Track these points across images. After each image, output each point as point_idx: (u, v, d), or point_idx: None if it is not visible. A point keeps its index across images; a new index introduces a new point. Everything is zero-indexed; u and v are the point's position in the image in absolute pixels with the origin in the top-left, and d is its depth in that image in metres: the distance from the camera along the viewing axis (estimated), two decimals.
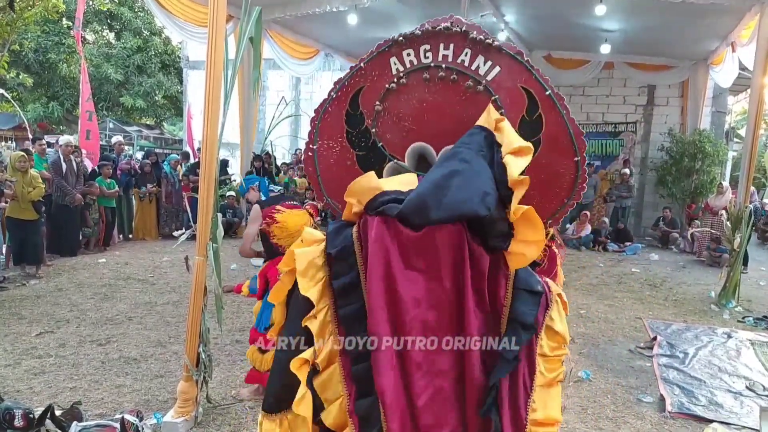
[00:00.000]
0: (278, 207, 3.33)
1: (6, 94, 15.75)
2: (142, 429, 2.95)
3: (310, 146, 2.06)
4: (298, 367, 1.63)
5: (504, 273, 1.62)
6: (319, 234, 1.72)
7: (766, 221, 11.71)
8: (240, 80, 8.12)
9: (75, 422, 2.90)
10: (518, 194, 1.57)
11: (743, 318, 5.90)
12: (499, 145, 1.67)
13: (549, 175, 1.77)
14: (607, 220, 10.85)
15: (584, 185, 1.78)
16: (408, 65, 1.90)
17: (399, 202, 1.59)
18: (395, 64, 1.91)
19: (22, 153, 6.70)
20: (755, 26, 6.62)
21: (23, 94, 19.67)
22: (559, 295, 1.75)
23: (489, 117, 1.75)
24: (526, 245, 1.57)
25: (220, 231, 3.25)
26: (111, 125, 18.62)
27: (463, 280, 1.55)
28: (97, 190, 7.97)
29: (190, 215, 4.23)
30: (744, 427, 3.39)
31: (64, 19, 17.64)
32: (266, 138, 10.92)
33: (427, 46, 1.86)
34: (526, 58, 1.79)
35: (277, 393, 1.75)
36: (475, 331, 1.57)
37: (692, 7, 7.29)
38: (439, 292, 1.57)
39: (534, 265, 1.75)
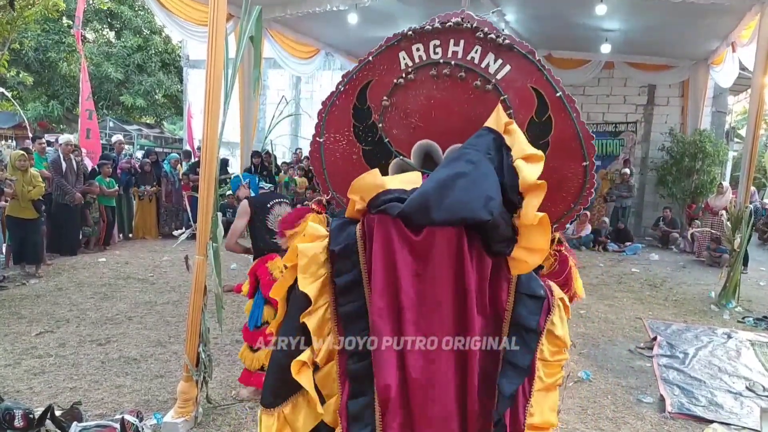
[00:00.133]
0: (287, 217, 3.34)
1: (6, 93, 15.75)
2: (142, 429, 2.95)
3: (317, 139, 2.03)
4: (297, 371, 1.63)
5: (506, 277, 1.61)
6: (322, 230, 1.71)
7: (766, 221, 11.71)
8: (240, 79, 8.11)
9: (75, 422, 2.90)
10: (536, 199, 1.54)
11: (743, 318, 5.90)
12: (508, 148, 1.65)
13: (556, 179, 1.73)
14: (607, 219, 10.85)
15: (592, 191, 1.75)
16: (417, 60, 1.86)
17: (402, 201, 1.58)
18: (404, 58, 1.88)
19: (22, 152, 6.69)
20: (755, 26, 6.61)
21: (23, 93, 19.66)
22: (562, 299, 1.74)
23: (498, 118, 1.72)
24: (530, 252, 1.56)
25: (220, 230, 3.24)
26: (111, 124, 18.62)
27: (465, 283, 1.54)
28: (97, 189, 7.96)
29: (190, 214, 4.22)
30: (744, 427, 3.39)
31: (64, 17, 17.62)
32: (266, 137, 10.92)
33: (437, 42, 1.82)
34: (537, 58, 1.74)
35: (274, 388, 1.75)
36: (476, 333, 1.56)
37: (692, 7, 7.28)
38: (441, 294, 1.56)
39: (539, 268, 1.73)
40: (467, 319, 1.55)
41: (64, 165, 7.35)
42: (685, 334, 5.20)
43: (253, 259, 3.53)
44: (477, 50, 1.78)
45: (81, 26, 10.55)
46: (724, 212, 7.54)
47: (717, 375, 4.23)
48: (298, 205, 3.58)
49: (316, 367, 1.68)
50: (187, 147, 13.56)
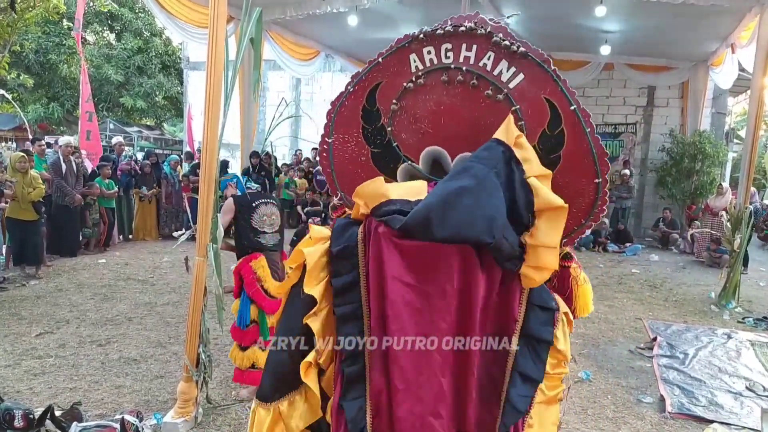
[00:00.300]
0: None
1: (6, 95, 15.77)
2: (142, 429, 2.95)
3: (326, 139, 1.99)
4: (305, 372, 1.62)
5: (519, 287, 1.58)
6: (326, 231, 1.70)
7: (766, 218, 11.70)
8: (240, 81, 8.11)
9: (75, 423, 2.90)
10: (560, 221, 1.52)
11: (743, 318, 5.90)
12: (519, 163, 1.60)
13: (567, 194, 1.65)
14: (607, 220, 10.84)
15: (604, 207, 1.68)
16: (428, 64, 1.80)
17: (404, 213, 1.56)
18: (414, 61, 1.81)
19: (22, 154, 6.70)
20: (755, 27, 6.62)
21: (24, 95, 19.68)
22: (566, 313, 1.73)
23: (508, 130, 1.66)
24: (538, 270, 1.54)
25: (220, 231, 3.25)
26: (111, 126, 18.63)
27: (470, 293, 1.52)
28: (97, 191, 7.97)
29: (190, 216, 4.23)
30: (744, 427, 3.39)
31: (64, 20, 17.65)
32: (266, 139, 10.93)
33: (449, 46, 1.75)
34: (553, 68, 1.66)
35: (272, 383, 1.74)
36: (478, 340, 1.53)
37: (692, 8, 7.29)
38: (443, 304, 1.53)
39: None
40: (468, 328, 1.53)
41: (63, 167, 7.36)
42: (685, 334, 5.20)
43: (237, 258, 3.55)
44: (490, 57, 1.71)
45: (81, 28, 10.57)
46: (723, 213, 7.54)
47: (717, 375, 4.23)
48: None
49: (322, 371, 1.68)
50: (188, 149, 13.58)
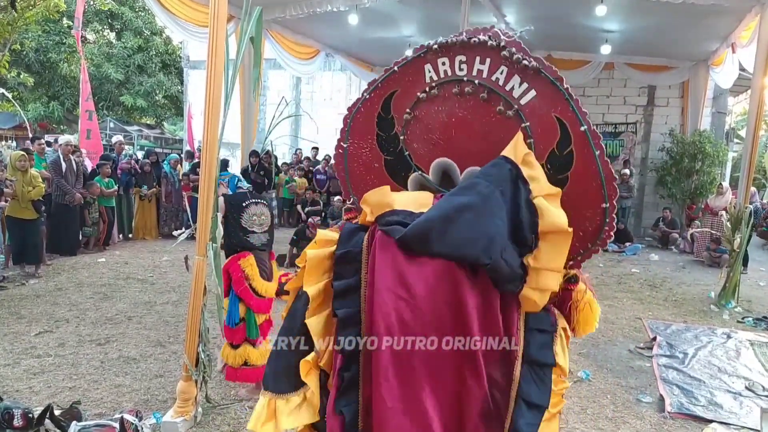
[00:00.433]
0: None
1: (7, 94, 15.78)
2: (142, 429, 2.95)
3: (341, 144, 2.01)
4: (306, 372, 1.63)
5: (517, 311, 1.56)
6: (333, 235, 1.71)
7: (766, 216, 11.68)
8: (241, 80, 8.11)
9: (74, 422, 2.90)
10: (564, 245, 1.49)
11: (743, 318, 5.90)
12: (526, 182, 1.57)
13: (573, 216, 1.61)
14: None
15: (611, 234, 1.64)
16: (442, 75, 1.78)
17: (406, 225, 1.56)
18: (429, 71, 1.80)
19: (22, 152, 6.70)
20: (755, 27, 6.62)
21: (24, 94, 19.68)
22: (564, 329, 1.72)
23: (516, 148, 1.63)
24: (540, 293, 1.52)
25: (220, 230, 3.25)
26: (111, 125, 18.62)
27: (464, 316, 1.49)
28: (97, 190, 7.97)
29: (189, 215, 4.23)
30: (743, 427, 3.39)
31: (64, 18, 17.64)
32: (266, 138, 10.93)
33: (463, 57, 1.73)
34: (566, 86, 1.62)
35: (273, 379, 1.75)
36: (480, 366, 1.49)
37: (692, 7, 7.29)
38: (436, 322, 1.51)
39: None
40: (464, 350, 1.50)
41: (63, 165, 7.36)
42: (685, 334, 5.20)
43: (226, 256, 3.58)
44: (502, 71, 1.68)
45: (81, 27, 10.57)
46: (723, 213, 7.54)
47: (716, 375, 4.23)
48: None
49: (327, 375, 1.68)
50: (188, 147, 13.58)
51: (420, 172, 1.90)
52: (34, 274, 6.40)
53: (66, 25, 18.46)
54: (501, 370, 1.55)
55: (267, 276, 3.59)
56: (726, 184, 10.02)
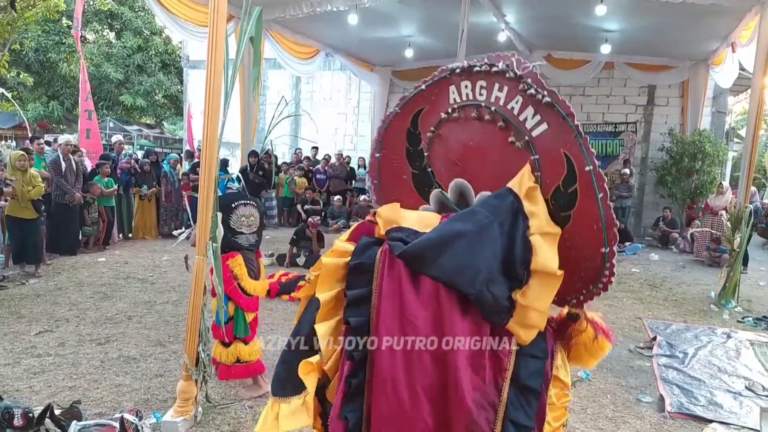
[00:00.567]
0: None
1: (6, 94, 15.77)
2: (142, 428, 2.95)
3: (375, 155, 2.09)
4: (306, 372, 1.65)
5: (508, 333, 1.57)
6: (348, 246, 1.75)
7: (767, 213, 11.70)
8: (240, 80, 8.12)
9: (74, 421, 2.90)
10: (552, 287, 1.50)
11: (743, 318, 5.90)
12: (526, 217, 1.58)
13: (574, 256, 1.61)
14: None
15: (611, 279, 1.60)
16: (464, 98, 1.80)
17: (407, 243, 1.61)
18: (453, 93, 1.83)
19: (22, 152, 6.70)
20: (755, 27, 6.62)
21: (24, 94, 19.68)
22: (564, 345, 1.75)
23: (522, 180, 1.64)
24: (526, 328, 1.54)
25: (220, 230, 3.25)
26: (111, 124, 18.63)
27: (449, 338, 1.53)
28: (98, 191, 7.96)
29: (190, 214, 4.24)
30: (743, 427, 3.39)
31: (64, 18, 17.65)
32: (266, 137, 10.93)
33: (483, 83, 1.74)
34: (576, 123, 1.59)
35: (278, 379, 1.79)
36: (463, 386, 1.51)
37: (692, 7, 7.29)
38: (426, 337, 1.55)
39: None
40: (451, 370, 1.52)
41: (63, 165, 7.35)
42: (685, 333, 5.20)
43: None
44: (518, 101, 1.67)
45: (80, 27, 10.57)
46: (723, 212, 7.54)
47: (716, 375, 4.23)
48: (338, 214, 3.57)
49: (327, 381, 1.71)
50: (188, 147, 13.57)
51: (440, 189, 1.93)
52: (34, 274, 6.40)
53: (66, 25, 18.46)
54: (489, 392, 1.56)
55: (254, 275, 3.64)
56: (726, 183, 10.02)
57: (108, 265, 7.17)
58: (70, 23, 15.92)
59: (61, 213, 7.39)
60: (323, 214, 11.22)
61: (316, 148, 13.37)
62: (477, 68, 1.75)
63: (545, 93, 1.62)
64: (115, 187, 8.49)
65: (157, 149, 14.72)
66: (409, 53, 11.39)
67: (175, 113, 23.53)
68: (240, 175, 4.33)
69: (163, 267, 7.18)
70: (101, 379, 3.66)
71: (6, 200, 6.27)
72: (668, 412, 3.54)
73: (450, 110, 1.85)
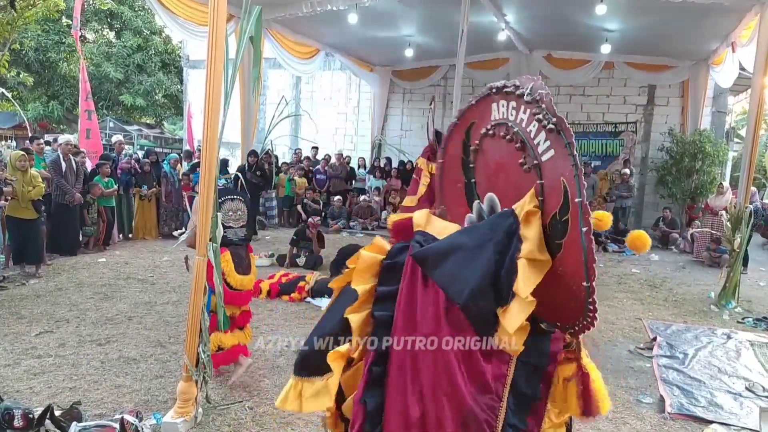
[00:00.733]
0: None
1: (6, 93, 15.77)
2: (142, 429, 2.95)
3: (439, 161, 2.21)
4: (333, 359, 1.74)
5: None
6: (386, 245, 1.86)
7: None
8: (240, 79, 8.12)
9: (74, 422, 2.90)
10: (525, 312, 1.54)
11: (743, 319, 5.90)
12: (520, 240, 1.61)
13: (565, 283, 1.62)
14: None
15: (595, 317, 1.58)
16: (500, 116, 1.87)
17: (424, 245, 1.71)
18: (494, 110, 1.90)
19: (22, 152, 6.69)
20: (755, 26, 6.62)
21: (23, 93, 19.68)
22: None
23: (525, 203, 1.66)
24: (507, 345, 1.60)
25: (220, 230, 3.25)
26: (111, 124, 18.62)
27: (450, 339, 1.61)
28: (99, 191, 7.96)
29: (190, 215, 4.25)
30: (743, 428, 3.39)
31: (64, 17, 17.64)
32: (266, 137, 10.94)
33: (514, 104, 1.81)
34: (575, 152, 1.60)
35: (302, 360, 1.87)
36: (462, 391, 1.57)
37: (692, 7, 7.30)
38: (427, 340, 1.64)
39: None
40: (450, 371, 1.58)
41: (63, 165, 7.35)
42: (685, 334, 5.20)
43: None
44: (534, 125, 1.72)
45: (80, 26, 10.56)
46: (724, 212, 7.54)
47: (717, 375, 4.23)
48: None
49: (348, 366, 1.80)
50: (188, 147, 13.57)
51: (479, 201, 2.00)
52: (34, 274, 6.40)
53: (65, 25, 18.45)
54: (488, 397, 1.63)
55: (243, 270, 3.69)
56: (726, 183, 10.02)
57: (108, 265, 7.16)
58: (70, 22, 15.93)
59: (62, 213, 7.38)
60: (323, 214, 11.22)
61: (316, 148, 13.37)
62: (507, 89, 1.81)
63: (554, 119, 1.64)
64: (116, 187, 8.49)
65: (157, 149, 14.71)
66: (409, 53, 11.39)
67: (175, 113, 23.53)
68: (238, 174, 4.35)
69: (163, 267, 7.18)
70: (101, 380, 3.66)
71: (6, 200, 6.26)
72: (668, 412, 3.54)
73: (489, 126, 1.93)
